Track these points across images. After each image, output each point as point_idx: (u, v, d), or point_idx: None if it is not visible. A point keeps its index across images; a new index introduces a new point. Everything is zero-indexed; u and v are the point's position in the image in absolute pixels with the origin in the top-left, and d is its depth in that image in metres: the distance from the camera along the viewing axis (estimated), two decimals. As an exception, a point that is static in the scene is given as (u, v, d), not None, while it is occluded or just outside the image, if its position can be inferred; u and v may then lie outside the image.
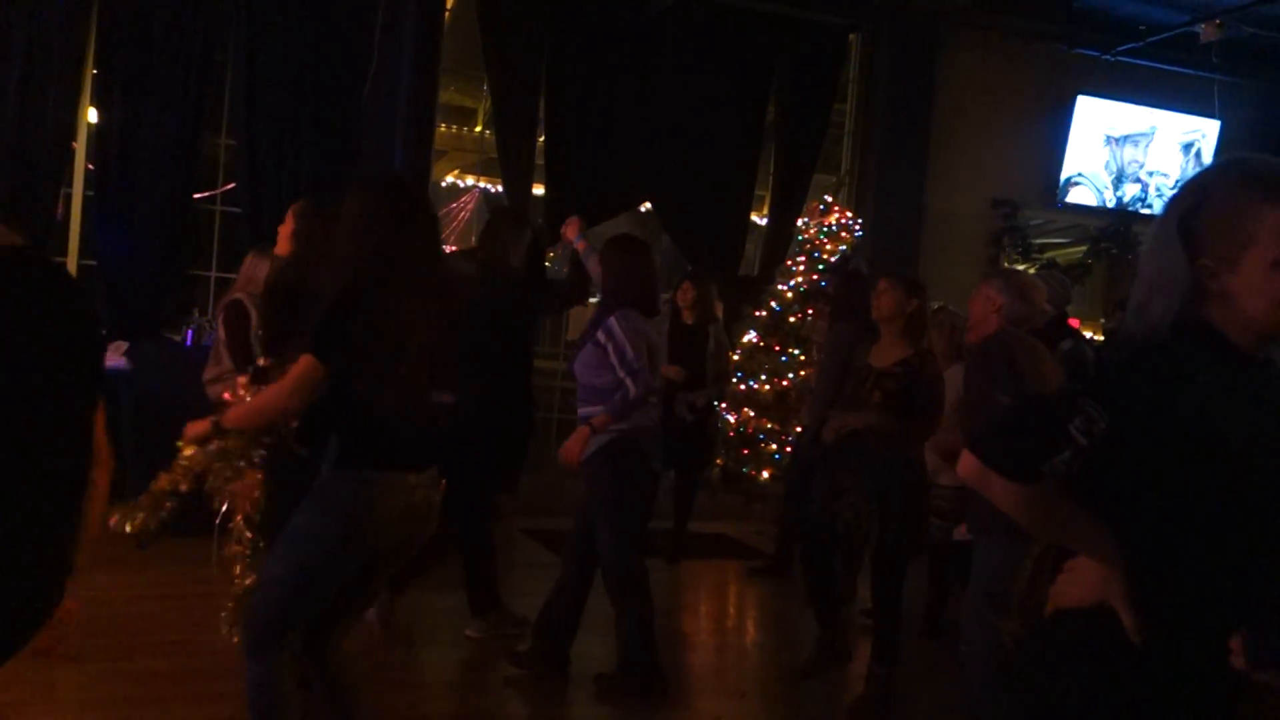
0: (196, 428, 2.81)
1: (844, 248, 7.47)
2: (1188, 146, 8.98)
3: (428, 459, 2.79)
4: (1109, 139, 8.80)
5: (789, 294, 7.32)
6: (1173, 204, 1.65)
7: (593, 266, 4.39)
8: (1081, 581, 1.68)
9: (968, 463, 1.68)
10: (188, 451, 2.84)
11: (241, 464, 2.89)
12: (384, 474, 2.70)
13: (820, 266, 7.20)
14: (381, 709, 3.40)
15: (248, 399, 2.86)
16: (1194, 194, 1.63)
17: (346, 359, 2.64)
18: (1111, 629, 1.62)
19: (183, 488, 2.86)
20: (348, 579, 2.75)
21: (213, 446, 2.82)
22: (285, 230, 3.58)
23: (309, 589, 2.72)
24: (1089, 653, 1.66)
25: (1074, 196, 8.84)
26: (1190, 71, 8.75)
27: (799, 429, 6.57)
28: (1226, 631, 1.59)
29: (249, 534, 2.98)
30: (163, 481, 2.85)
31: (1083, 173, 8.80)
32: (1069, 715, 1.66)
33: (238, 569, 3.25)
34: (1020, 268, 8.03)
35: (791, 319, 7.32)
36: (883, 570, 4.24)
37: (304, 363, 2.64)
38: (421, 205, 2.89)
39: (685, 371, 6.31)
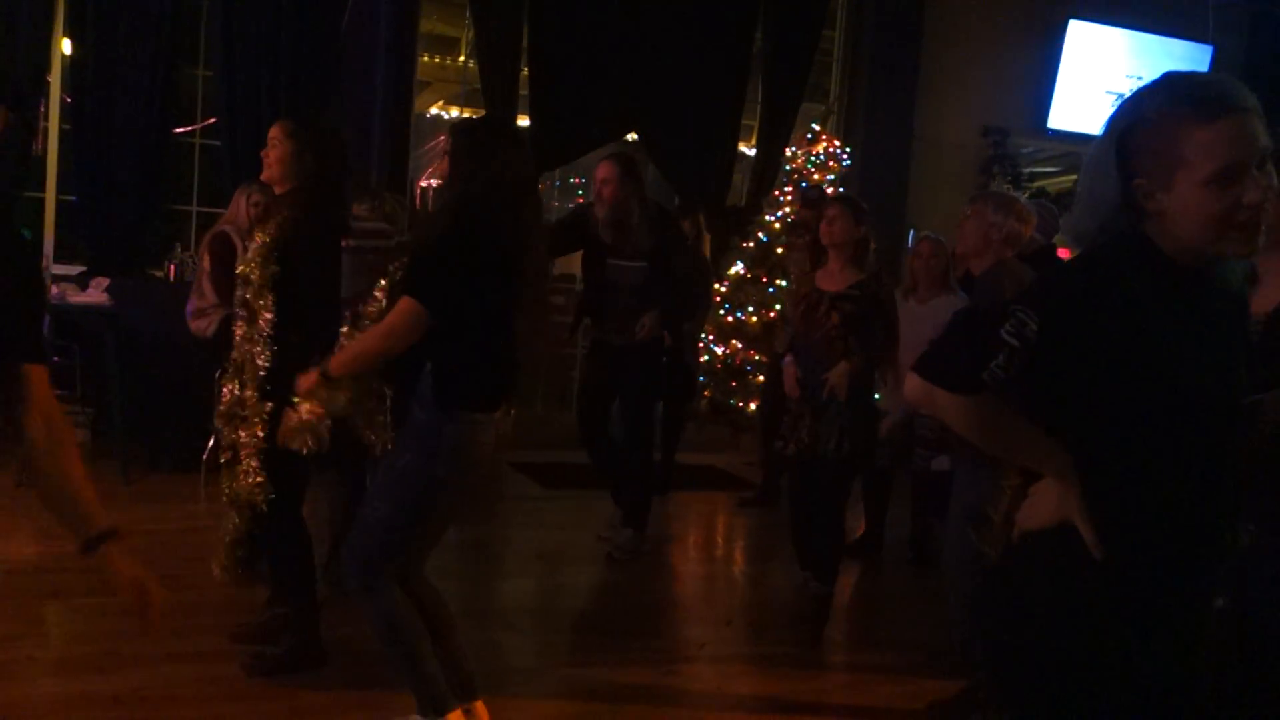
0: (307, 381, 2.81)
1: (831, 176, 7.41)
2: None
3: (509, 397, 2.90)
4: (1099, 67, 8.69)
5: (777, 225, 7.28)
6: (1110, 124, 1.65)
7: None
8: (1042, 503, 1.69)
9: (913, 383, 1.70)
10: (305, 407, 2.85)
11: (374, 404, 2.94)
12: (480, 415, 2.81)
13: (803, 184, 7.15)
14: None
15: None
16: (1128, 115, 1.62)
17: (452, 303, 2.71)
18: (1074, 546, 1.63)
19: (310, 444, 2.91)
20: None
21: (342, 396, 2.83)
22: (274, 154, 3.43)
23: (408, 527, 2.84)
24: (1054, 572, 1.68)
25: (1065, 124, 8.76)
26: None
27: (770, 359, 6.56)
28: (1181, 540, 1.61)
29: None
30: (292, 437, 2.86)
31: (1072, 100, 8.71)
32: (1039, 636, 1.67)
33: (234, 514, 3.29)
34: (1009, 196, 7.98)
35: (779, 250, 7.28)
36: (826, 489, 4.21)
37: (406, 306, 2.68)
38: (520, 142, 2.99)
39: None
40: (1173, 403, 1.58)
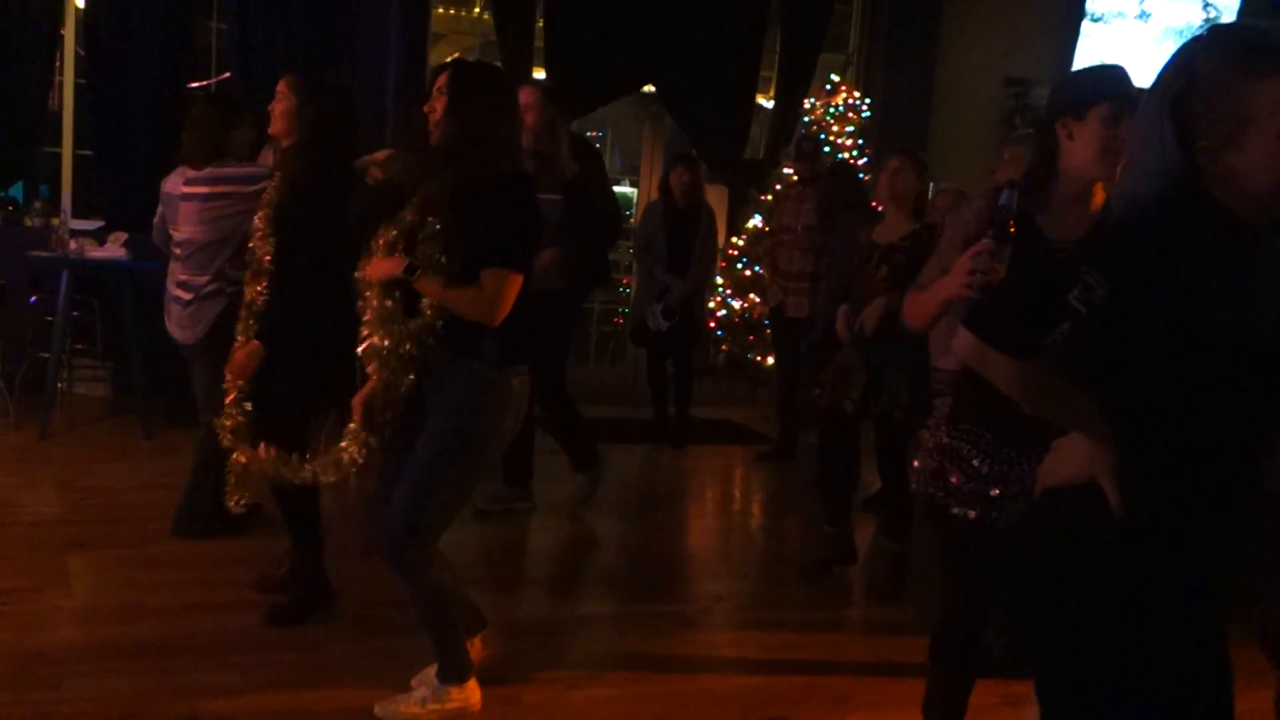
0: (383, 268, 2.78)
1: (850, 128, 7.32)
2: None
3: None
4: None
5: (795, 177, 7.21)
6: (1159, 88, 1.57)
7: None
8: (1068, 459, 1.67)
9: (965, 341, 1.65)
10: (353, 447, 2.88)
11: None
12: (524, 366, 2.88)
13: (820, 136, 7.08)
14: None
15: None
16: (1181, 74, 1.55)
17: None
18: (1097, 506, 1.61)
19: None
20: None
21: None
22: (279, 108, 3.47)
23: (468, 490, 2.92)
24: (1075, 531, 1.67)
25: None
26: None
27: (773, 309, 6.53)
28: (1214, 509, 1.59)
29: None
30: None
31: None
32: (1062, 593, 1.66)
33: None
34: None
35: (766, 197, 7.27)
36: (886, 449, 4.29)
37: (504, 278, 2.69)
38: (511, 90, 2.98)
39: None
40: (1230, 364, 1.54)
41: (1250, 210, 1.56)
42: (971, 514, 2.38)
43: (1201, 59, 1.54)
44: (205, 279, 4.01)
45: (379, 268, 2.79)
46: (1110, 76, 2.34)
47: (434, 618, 2.89)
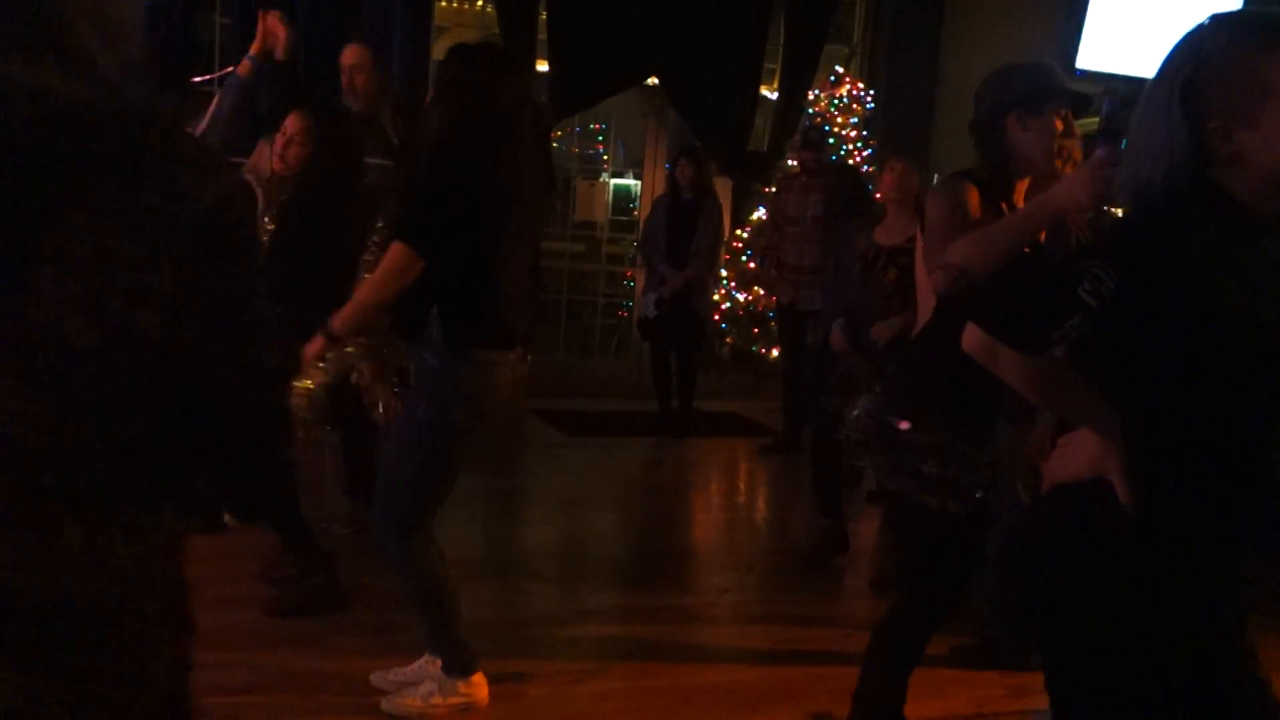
0: (313, 348, 2.78)
1: (854, 120, 7.31)
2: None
3: (523, 335, 2.82)
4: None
5: (798, 168, 7.19)
6: (1167, 73, 1.57)
7: None
8: (1078, 455, 1.66)
9: (973, 336, 1.65)
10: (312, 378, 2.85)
11: (386, 352, 2.92)
12: (494, 352, 2.72)
13: (825, 128, 7.05)
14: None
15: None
16: (1190, 57, 1.55)
17: (443, 242, 2.63)
18: (1107, 503, 1.61)
19: (309, 414, 2.93)
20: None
21: (349, 349, 2.82)
22: (293, 151, 3.54)
23: (437, 481, 2.79)
24: (1084, 528, 1.66)
25: (1094, 64, 8.58)
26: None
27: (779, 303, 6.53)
28: (1225, 504, 1.58)
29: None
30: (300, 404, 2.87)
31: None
32: (1069, 590, 1.66)
33: None
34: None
35: (769, 189, 7.25)
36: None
37: (394, 250, 2.63)
38: (515, 71, 2.85)
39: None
40: (1242, 357, 1.53)
41: (1259, 197, 1.55)
42: (945, 505, 2.42)
43: (1210, 41, 1.54)
44: None
45: (310, 351, 2.79)
46: (1058, 74, 2.43)
47: (429, 610, 2.88)
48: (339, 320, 2.75)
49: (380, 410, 3.14)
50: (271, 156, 5.80)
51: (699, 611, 3.95)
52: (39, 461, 0.97)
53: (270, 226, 3.53)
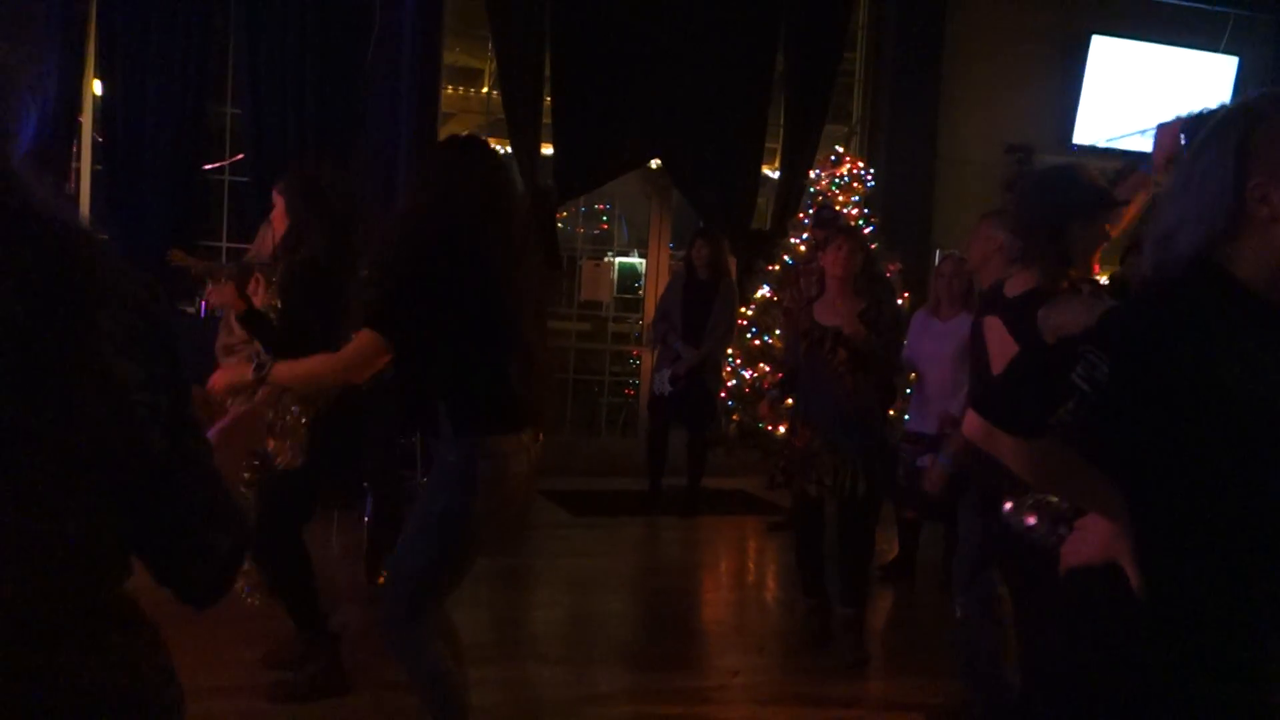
0: (229, 375, 2.73)
1: (855, 198, 7.39)
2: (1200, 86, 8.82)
3: (534, 415, 2.76)
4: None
5: (802, 247, 7.25)
6: (1221, 131, 1.56)
7: None
8: (1090, 539, 1.65)
9: (972, 422, 1.66)
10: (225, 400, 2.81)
11: (295, 409, 2.90)
12: (508, 438, 2.67)
13: (815, 207, 7.13)
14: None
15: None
16: (1244, 119, 1.55)
17: (417, 330, 2.59)
18: (1121, 587, 1.59)
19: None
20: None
21: (260, 394, 2.80)
22: (278, 210, 3.62)
23: (453, 569, 2.74)
24: (1098, 613, 1.64)
25: (1089, 139, 8.70)
26: (1204, 6, 8.58)
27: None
28: (1243, 586, 1.54)
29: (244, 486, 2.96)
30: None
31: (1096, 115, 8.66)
32: (1084, 678, 1.63)
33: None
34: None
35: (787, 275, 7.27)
36: (851, 521, 4.25)
37: (362, 336, 2.58)
38: (490, 155, 2.81)
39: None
40: (1244, 446, 1.51)
41: (1272, 277, 1.53)
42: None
43: (1263, 104, 1.55)
44: None
45: (222, 377, 2.72)
46: (1104, 182, 2.52)
47: (433, 703, 2.82)
48: (285, 373, 2.67)
49: (281, 454, 3.10)
50: (272, 243, 5.88)
51: (710, 694, 3.90)
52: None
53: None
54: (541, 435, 2.89)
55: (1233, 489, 1.53)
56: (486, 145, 2.83)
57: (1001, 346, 2.57)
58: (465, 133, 3.05)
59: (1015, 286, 2.65)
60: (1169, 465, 1.55)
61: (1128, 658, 1.59)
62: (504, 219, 2.69)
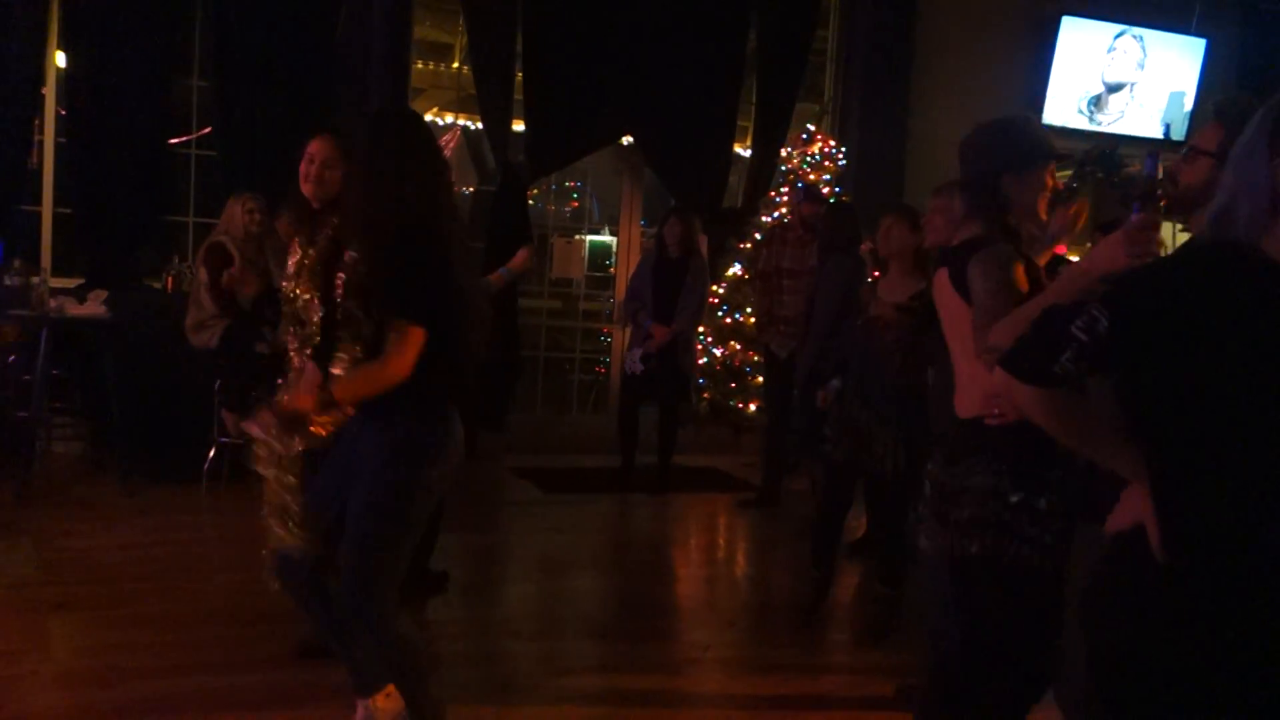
0: (307, 402, 2.65)
1: (827, 176, 7.41)
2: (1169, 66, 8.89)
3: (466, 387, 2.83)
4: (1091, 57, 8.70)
5: (773, 225, 7.28)
6: (1263, 113, 1.61)
7: None
8: (1126, 503, 1.71)
9: (998, 375, 1.74)
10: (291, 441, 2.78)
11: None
12: (451, 414, 2.75)
13: (799, 185, 7.14)
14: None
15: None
16: (1276, 106, 1.59)
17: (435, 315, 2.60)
18: (1147, 548, 1.62)
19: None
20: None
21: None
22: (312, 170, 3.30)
23: (408, 543, 2.77)
24: (1126, 576, 1.68)
25: (1059, 119, 8.76)
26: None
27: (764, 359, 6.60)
28: (1249, 547, 1.55)
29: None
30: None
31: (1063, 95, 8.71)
32: (1126, 642, 1.65)
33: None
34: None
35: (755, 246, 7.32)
36: (887, 498, 4.36)
37: (408, 331, 2.56)
38: (430, 136, 2.80)
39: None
40: (1250, 417, 1.53)
41: None
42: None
43: None
44: None
45: (304, 404, 2.66)
46: (1043, 131, 2.54)
47: (402, 679, 2.81)
48: (344, 391, 2.65)
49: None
50: (242, 216, 5.82)
51: (681, 668, 3.92)
52: None
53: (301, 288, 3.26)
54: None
55: (1235, 453, 1.55)
56: (420, 118, 2.86)
57: (946, 297, 2.59)
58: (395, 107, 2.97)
59: (959, 238, 2.70)
60: (1172, 424, 1.59)
61: (1159, 622, 1.60)
62: (450, 193, 2.75)
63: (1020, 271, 2.47)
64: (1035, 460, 2.43)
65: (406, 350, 2.57)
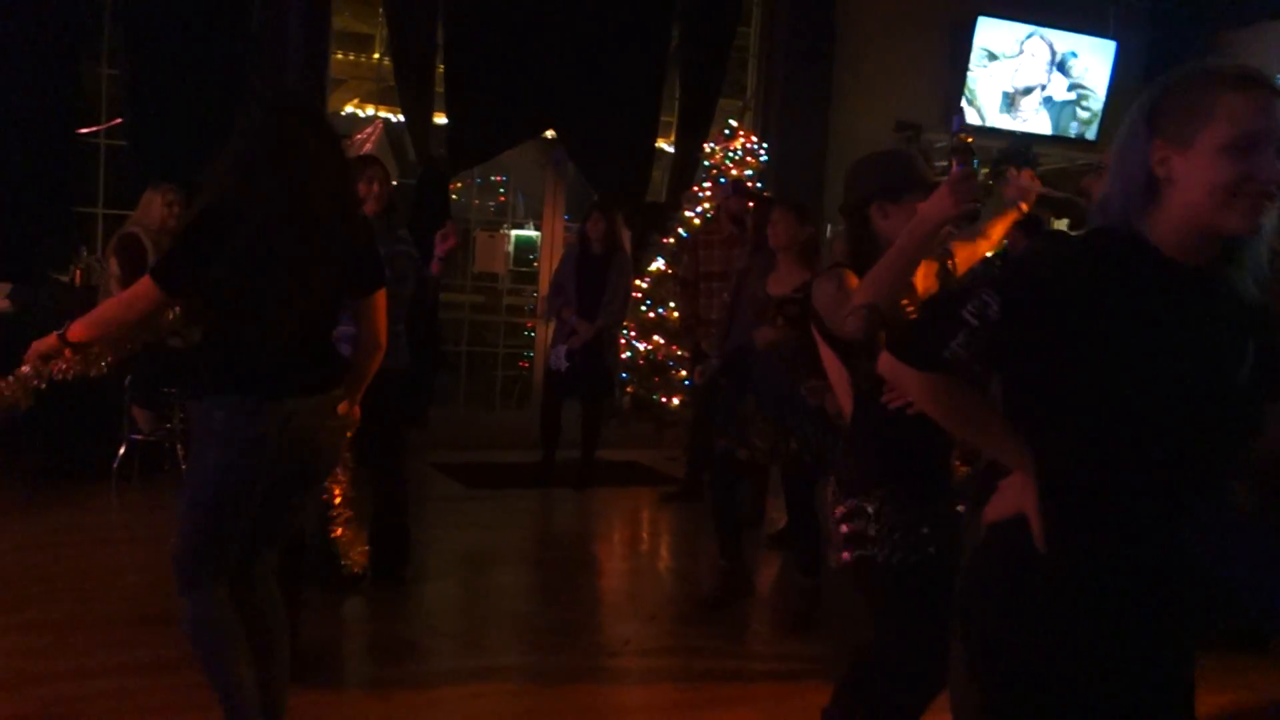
0: (43, 344, 2.72)
1: (749, 172, 7.45)
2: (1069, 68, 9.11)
3: (305, 385, 2.72)
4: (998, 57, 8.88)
5: (696, 220, 7.31)
6: (1139, 103, 1.64)
7: None
8: (1006, 493, 1.70)
9: (884, 359, 1.73)
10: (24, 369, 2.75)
11: (105, 364, 2.83)
12: (252, 399, 2.65)
13: (721, 180, 7.17)
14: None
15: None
16: (1159, 87, 1.62)
17: (198, 286, 2.62)
18: (1025, 538, 1.63)
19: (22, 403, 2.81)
20: (251, 508, 2.71)
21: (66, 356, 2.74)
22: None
23: (210, 520, 2.70)
24: (1006, 567, 1.69)
25: (975, 118, 8.92)
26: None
27: (690, 354, 6.63)
28: (1139, 543, 1.59)
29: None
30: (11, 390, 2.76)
31: (973, 95, 8.87)
32: (1005, 631, 1.67)
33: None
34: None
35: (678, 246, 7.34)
36: (796, 489, 4.41)
37: (144, 282, 2.64)
38: (318, 127, 2.76)
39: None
40: (1138, 402, 1.56)
41: (1179, 237, 1.59)
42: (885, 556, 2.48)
43: (1180, 74, 1.61)
44: None
45: (37, 348, 2.74)
46: (919, 164, 2.61)
47: (204, 663, 2.74)
48: (74, 328, 2.70)
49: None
50: (161, 208, 5.68)
51: (602, 661, 3.92)
52: None
53: None
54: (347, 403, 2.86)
55: (1121, 436, 1.58)
56: (320, 117, 2.88)
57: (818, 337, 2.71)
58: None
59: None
60: (1059, 411, 1.61)
61: (1035, 612, 1.63)
62: (316, 194, 2.69)
63: (852, 280, 2.53)
64: (861, 467, 2.52)
65: (131, 293, 2.67)
